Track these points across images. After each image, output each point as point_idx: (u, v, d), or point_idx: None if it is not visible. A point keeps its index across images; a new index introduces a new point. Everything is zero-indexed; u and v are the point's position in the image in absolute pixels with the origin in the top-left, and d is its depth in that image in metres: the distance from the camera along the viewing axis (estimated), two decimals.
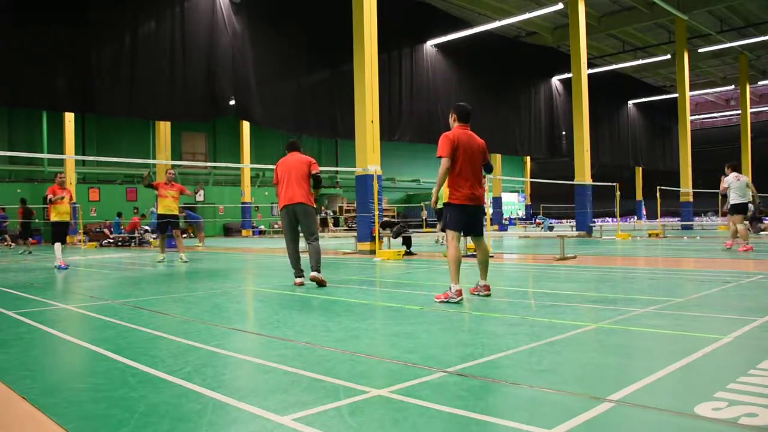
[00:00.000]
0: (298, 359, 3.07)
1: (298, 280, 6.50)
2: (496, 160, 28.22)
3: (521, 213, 39.57)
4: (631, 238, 16.41)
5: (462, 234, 5.26)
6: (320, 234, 6.97)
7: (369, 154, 12.38)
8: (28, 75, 11.78)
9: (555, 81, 24.89)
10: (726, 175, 10.61)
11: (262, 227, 29.42)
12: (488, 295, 5.19)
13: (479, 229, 5.25)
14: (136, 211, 21.14)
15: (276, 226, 30.26)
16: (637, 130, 30.34)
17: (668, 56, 24.83)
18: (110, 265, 10.93)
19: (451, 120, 5.24)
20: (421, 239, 17.32)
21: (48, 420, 2.23)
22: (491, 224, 16.55)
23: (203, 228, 19.41)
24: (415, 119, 18.44)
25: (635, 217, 34.49)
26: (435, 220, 15.92)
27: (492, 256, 10.26)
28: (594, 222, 19.96)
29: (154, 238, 19.62)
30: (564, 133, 24.64)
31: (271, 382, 2.67)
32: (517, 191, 41.87)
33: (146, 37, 13.21)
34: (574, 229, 18.17)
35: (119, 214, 21.33)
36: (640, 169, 34.28)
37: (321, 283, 6.34)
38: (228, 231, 28.82)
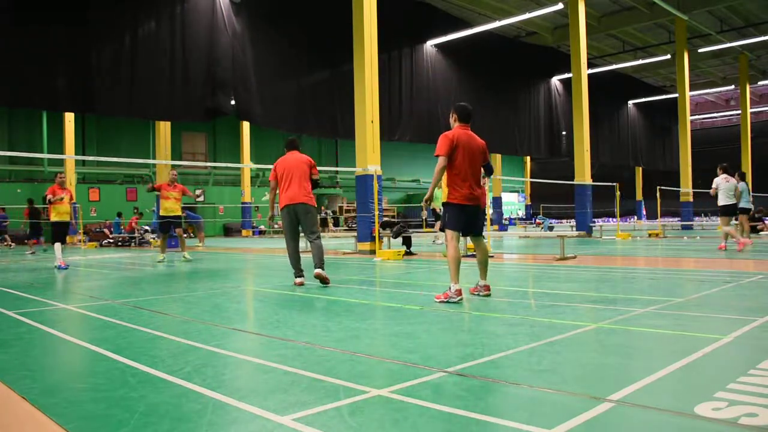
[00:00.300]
0: (298, 359, 3.07)
1: (298, 280, 6.50)
2: (496, 160, 28.21)
3: (521, 213, 39.57)
4: (631, 238, 16.41)
5: (461, 234, 5.26)
6: (320, 234, 6.97)
7: (369, 154, 12.38)
8: (28, 75, 11.77)
9: (555, 81, 24.88)
10: (717, 176, 10.78)
11: (262, 227, 29.41)
12: (488, 295, 5.19)
13: (479, 229, 5.25)
14: (135, 210, 21.12)
15: (276, 226, 30.25)
16: (637, 130, 30.34)
17: (668, 56, 24.83)
18: (110, 265, 10.93)
19: (451, 120, 5.24)
20: (421, 239, 17.32)
21: (48, 420, 2.23)
22: (491, 224, 16.55)
23: (203, 228, 19.41)
24: (415, 119, 18.44)
25: (635, 217, 34.49)
26: (434, 221, 15.92)
27: (492, 256, 10.26)
28: (594, 222, 19.96)
29: (153, 238, 19.63)
30: (564, 133, 24.64)
31: (271, 382, 2.67)
32: (517, 191, 41.87)
33: (146, 37, 13.20)
34: (574, 229, 18.17)
35: (119, 214, 21.32)
36: (640, 169, 34.28)
37: (324, 281, 6.35)
38: (228, 231, 28.81)
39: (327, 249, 6.73)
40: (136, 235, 20.00)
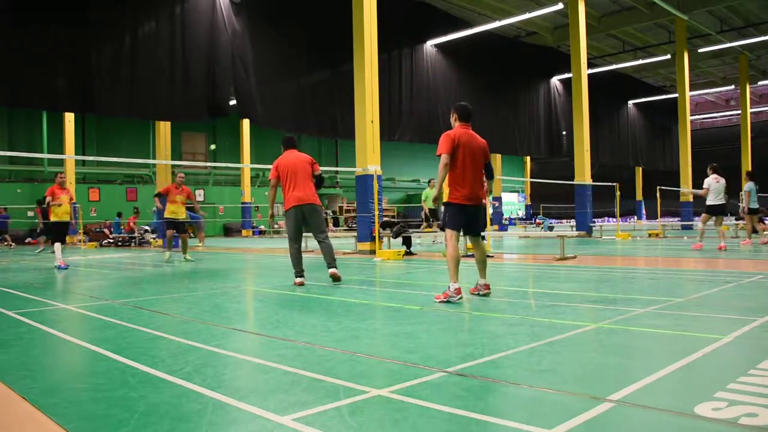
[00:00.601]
0: (298, 359, 3.07)
1: (299, 279, 6.50)
2: (496, 160, 28.20)
3: (521, 213, 39.56)
4: (631, 238, 16.41)
5: (461, 233, 5.27)
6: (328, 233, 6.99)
7: (369, 154, 12.38)
8: (28, 75, 11.76)
9: (555, 81, 24.88)
10: (707, 177, 10.94)
11: (262, 227, 29.41)
12: (488, 294, 5.19)
13: (478, 229, 5.25)
14: (135, 210, 21.12)
15: (276, 226, 30.25)
16: (637, 130, 30.32)
17: (668, 56, 24.83)
18: (110, 265, 10.93)
19: (452, 119, 5.24)
20: (422, 239, 17.32)
21: (48, 420, 2.23)
22: (491, 224, 16.56)
23: (203, 228, 19.41)
24: (415, 119, 18.43)
25: (635, 217, 34.47)
26: (430, 221, 15.92)
27: (492, 256, 10.26)
28: (594, 222, 19.96)
29: (154, 238, 19.63)
30: (564, 133, 24.63)
31: (271, 382, 2.67)
32: (517, 191, 41.87)
33: (146, 37, 13.20)
34: (574, 229, 18.17)
35: (119, 214, 21.32)
36: (640, 169, 34.26)
37: (338, 279, 6.54)
38: (228, 231, 28.82)
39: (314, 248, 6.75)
40: (136, 235, 20.00)
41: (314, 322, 4.20)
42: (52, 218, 10.04)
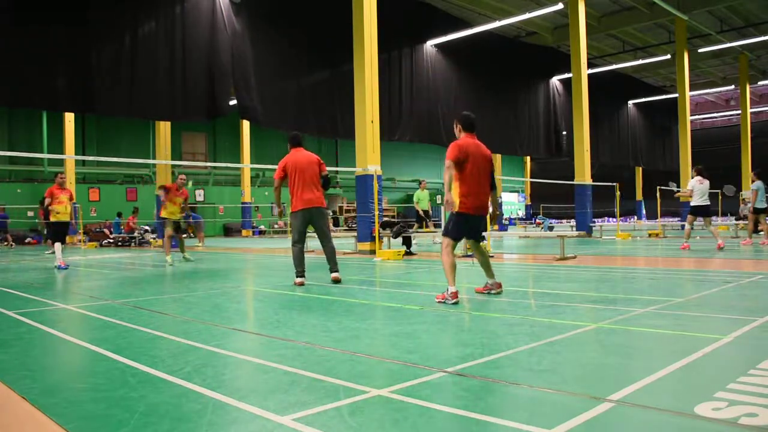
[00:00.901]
0: (298, 359, 3.07)
1: (299, 280, 6.50)
2: (496, 160, 28.22)
3: (521, 213, 39.56)
4: (631, 238, 16.41)
5: (458, 239, 5.30)
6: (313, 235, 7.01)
7: (369, 154, 12.38)
8: (28, 75, 11.77)
9: (555, 81, 24.87)
10: (692, 178, 11.16)
11: (262, 227, 29.41)
12: (500, 293, 5.32)
13: (478, 236, 5.36)
14: (134, 210, 21.12)
15: (276, 225, 30.25)
16: (637, 130, 30.32)
17: (668, 56, 24.82)
18: (110, 265, 10.93)
19: (456, 131, 5.26)
20: (422, 239, 17.31)
21: (48, 420, 2.23)
22: (491, 224, 16.56)
23: (203, 228, 19.41)
24: (415, 119, 18.43)
25: (635, 217, 34.48)
26: (435, 220, 15.91)
27: (492, 256, 10.26)
28: (594, 222, 19.95)
29: (154, 238, 19.63)
30: (564, 133, 24.63)
31: (271, 382, 2.67)
32: (517, 191, 41.87)
33: (146, 37, 13.20)
34: (574, 229, 18.17)
35: (119, 214, 21.32)
36: (640, 169, 34.27)
37: (338, 282, 6.59)
38: (228, 231, 28.82)
39: (314, 249, 6.76)
40: (136, 235, 20.00)
41: (314, 322, 4.20)
42: (52, 218, 10.04)
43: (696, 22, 21.86)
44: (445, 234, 5.16)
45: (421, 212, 15.94)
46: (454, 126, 5.27)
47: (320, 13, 15.84)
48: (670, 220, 26.38)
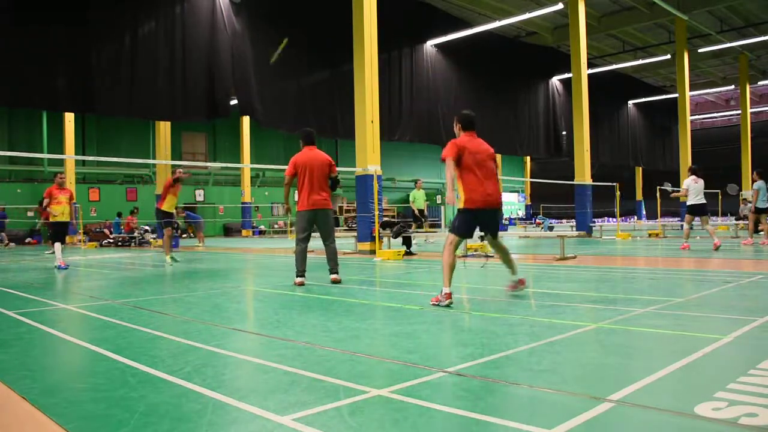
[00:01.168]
0: (298, 359, 3.07)
1: (299, 279, 6.50)
2: (496, 160, 28.19)
3: (521, 213, 39.56)
4: (631, 238, 16.41)
5: (466, 235, 5.21)
6: (315, 235, 6.98)
7: (369, 154, 12.38)
8: (28, 75, 11.77)
9: (555, 81, 24.88)
10: (687, 178, 11.34)
11: (262, 227, 29.41)
12: (522, 289, 5.29)
13: (494, 231, 5.22)
14: (134, 210, 21.10)
15: (276, 226, 30.25)
16: (637, 130, 30.32)
17: (668, 56, 24.83)
18: (110, 265, 10.93)
19: (456, 129, 5.21)
20: (422, 239, 17.31)
21: (48, 420, 2.23)
22: None
23: (203, 228, 19.40)
24: (415, 119, 18.43)
25: (635, 217, 34.48)
26: (416, 221, 15.90)
27: (492, 256, 10.25)
28: (594, 222, 19.95)
29: (154, 238, 19.61)
30: (564, 133, 24.63)
31: (271, 382, 2.67)
32: (517, 191, 41.86)
33: (146, 37, 13.20)
34: (574, 229, 18.16)
35: (119, 214, 21.32)
36: (640, 169, 34.28)
37: (338, 283, 6.57)
38: (228, 231, 28.83)
39: (319, 249, 6.75)
40: (136, 235, 20.00)
41: (314, 322, 4.20)
42: (51, 218, 10.05)
43: (696, 22, 21.86)
44: (451, 230, 5.10)
45: (416, 211, 15.93)
46: (454, 125, 5.24)
47: (320, 13, 15.84)
48: (670, 220, 26.38)
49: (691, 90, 26.41)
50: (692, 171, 11.32)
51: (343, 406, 2.28)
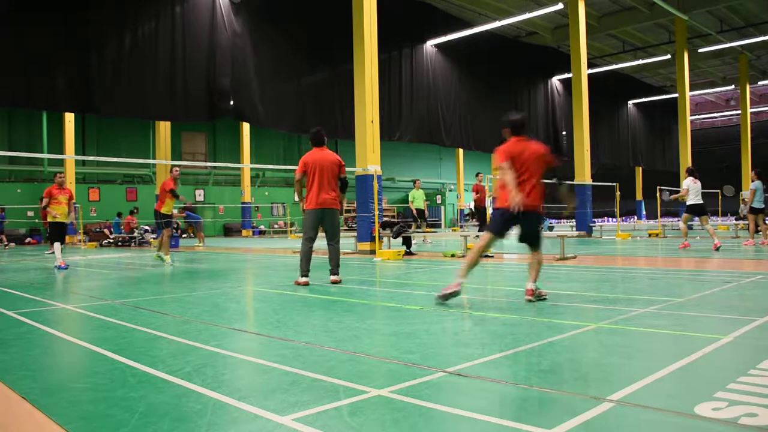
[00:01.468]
0: (298, 359, 3.07)
1: (304, 279, 6.48)
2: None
3: None
4: (631, 238, 16.41)
5: (498, 235, 5.02)
6: (320, 234, 6.99)
7: (369, 154, 12.38)
8: (28, 75, 11.78)
9: (555, 81, 24.88)
10: (685, 179, 11.54)
11: (262, 227, 29.40)
12: (530, 301, 4.90)
13: (529, 237, 5.01)
14: (133, 211, 21.09)
15: (276, 225, 30.25)
16: (637, 130, 30.33)
17: (668, 56, 24.83)
18: (110, 265, 10.92)
19: (505, 134, 5.09)
20: (421, 239, 17.30)
21: (48, 420, 2.23)
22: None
23: (203, 228, 19.40)
24: (415, 119, 18.43)
25: (635, 217, 34.48)
26: (413, 221, 15.91)
27: (492, 256, 10.26)
28: (594, 222, 19.95)
29: (153, 238, 19.61)
30: (564, 133, 24.64)
31: (271, 382, 2.67)
32: None
33: (146, 37, 13.20)
34: (574, 229, 18.17)
35: (119, 214, 21.32)
36: (640, 169, 34.28)
37: (338, 283, 6.57)
38: (228, 231, 28.82)
39: (322, 249, 6.74)
40: (135, 235, 20.00)
41: (314, 322, 4.20)
42: (49, 218, 10.05)
43: (696, 22, 21.86)
44: (486, 228, 5.10)
45: (415, 211, 15.93)
46: (504, 133, 5.10)
47: (320, 13, 15.85)
48: (671, 220, 26.38)
49: (691, 90, 26.42)
50: (690, 172, 11.56)
51: (343, 406, 2.28)
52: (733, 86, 31.37)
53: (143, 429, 2.09)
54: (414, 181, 17.39)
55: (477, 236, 12.80)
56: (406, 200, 36.70)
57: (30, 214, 23.01)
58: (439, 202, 36.79)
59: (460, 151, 33.88)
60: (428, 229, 16.21)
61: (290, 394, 2.44)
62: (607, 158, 27.87)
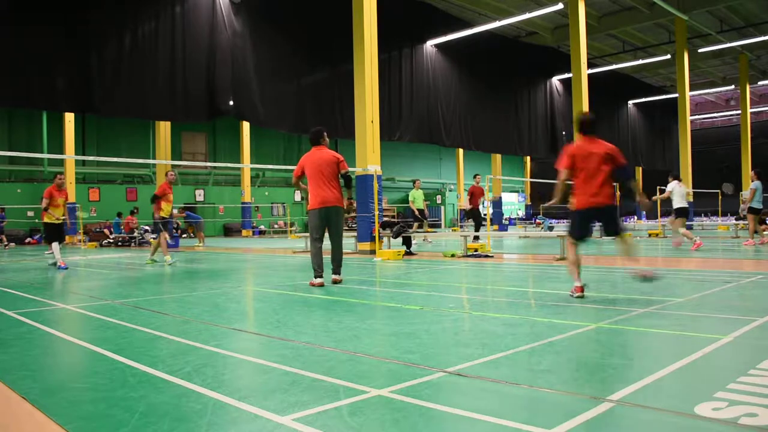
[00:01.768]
0: (298, 359, 3.07)
1: (318, 280, 6.44)
2: (496, 160, 28.16)
3: (521, 213, 39.55)
4: (631, 238, 16.38)
5: (581, 237, 5.29)
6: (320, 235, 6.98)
7: (369, 154, 12.38)
8: (28, 75, 11.78)
9: (555, 81, 24.88)
10: (669, 183, 11.97)
11: (262, 227, 29.40)
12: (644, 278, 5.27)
13: (612, 228, 5.29)
14: (133, 211, 21.09)
15: (276, 225, 30.25)
16: (637, 130, 30.34)
17: (668, 56, 24.84)
18: (110, 265, 10.93)
19: (576, 135, 5.34)
20: (421, 239, 17.30)
21: (48, 420, 2.23)
22: (491, 224, 16.55)
23: (203, 228, 19.40)
24: (415, 119, 18.43)
25: (635, 217, 34.48)
26: (412, 221, 15.92)
27: (491, 256, 10.26)
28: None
29: (153, 238, 19.60)
30: (564, 133, 24.63)
31: (271, 382, 2.67)
32: (517, 191, 41.86)
33: (146, 37, 13.20)
34: None
35: (119, 214, 21.32)
36: (640, 169, 34.29)
37: (338, 283, 6.59)
38: (228, 231, 28.82)
39: (325, 249, 6.73)
40: (135, 235, 19.99)
41: (314, 322, 4.20)
42: (46, 219, 10.06)
43: (696, 22, 21.87)
44: (567, 233, 5.37)
45: (416, 211, 15.93)
46: (574, 131, 5.34)
47: (320, 13, 15.85)
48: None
49: (691, 90, 26.43)
50: (674, 177, 12.06)
51: (343, 406, 2.28)
52: (733, 86, 31.38)
53: (143, 429, 2.09)
54: (414, 181, 17.39)
55: (476, 237, 12.83)
56: (406, 200, 36.70)
57: (30, 214, 23.00)
58: (439, 202, 36.79)
59: (460, 151, 33.89)
60: (429, 229, 16.22)
61: (290, 394, 2.44)
62: None
